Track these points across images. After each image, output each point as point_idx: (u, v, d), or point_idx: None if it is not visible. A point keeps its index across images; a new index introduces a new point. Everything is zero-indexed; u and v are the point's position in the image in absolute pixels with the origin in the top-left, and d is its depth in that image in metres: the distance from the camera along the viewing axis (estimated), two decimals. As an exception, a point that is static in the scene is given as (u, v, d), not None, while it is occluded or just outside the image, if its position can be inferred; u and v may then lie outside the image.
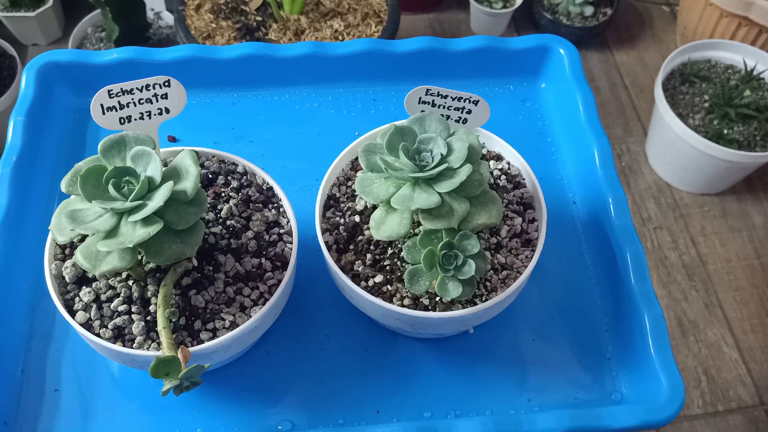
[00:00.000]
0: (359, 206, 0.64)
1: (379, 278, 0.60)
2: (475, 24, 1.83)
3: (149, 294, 0.57)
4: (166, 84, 0.58)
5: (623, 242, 0.68)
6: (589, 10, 1.76)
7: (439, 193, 0.53)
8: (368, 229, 0.62)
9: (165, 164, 0.60)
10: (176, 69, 0.79)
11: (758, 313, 1.43)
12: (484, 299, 0.58)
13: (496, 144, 0.68)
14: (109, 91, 0.57)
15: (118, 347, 0.54)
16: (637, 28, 1.89)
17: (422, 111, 0.60)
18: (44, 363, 0.65)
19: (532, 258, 0.60)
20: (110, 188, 0.51)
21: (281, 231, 0.62)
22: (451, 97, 0.60)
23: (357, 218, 0.63)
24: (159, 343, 0.55)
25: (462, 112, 0.61)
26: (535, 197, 0.65)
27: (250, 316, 0.57)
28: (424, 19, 1.87)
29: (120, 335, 0.56)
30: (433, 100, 0.60)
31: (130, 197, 0.50)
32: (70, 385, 0.64)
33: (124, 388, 0.64)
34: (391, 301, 0.58)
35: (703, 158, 1.45)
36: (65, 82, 0.81)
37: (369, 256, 0.61)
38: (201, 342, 0.56)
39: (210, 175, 0.65)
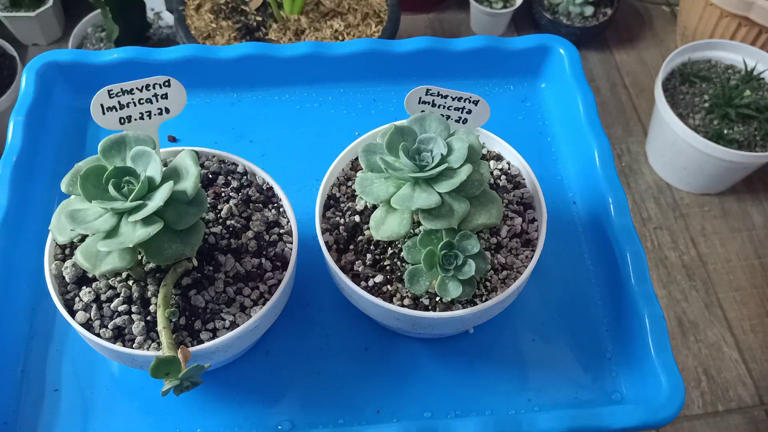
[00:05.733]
0: (359, 206, 0.64)
1: (379, 278, 0.60)
2: (475, 24, 1.83)
3: (149, 294, 0.57)
4: (166, 84, 0.58)
5: (623, 242, 0.68)
6: (589, 10, 1.75)
7: (439, 193, 0.53)
8: (368, 229, 0.62)
9: (165, 164, 0.60)
10: (176, 69, 0.79)
11: (758, 313, 1.43)
12: (484, 299, 0.58)
13: (496, 144, 0.68)
14: (109, 91, 0.57)
15: (118, 347, 0.55)
16: (637, 28, 1.89)
17: (422, 111, 0.60)
18: (44, 363, 0.65)
19: (532, 258, 0.60)
20: (110, 188, 0.51)
21: (281, 231, 0.63)
22: (451, 97, 0.60)
23: (357, 218, 0.63)
24: (159, 343, 0.55)
25: (462, 112, 0.61)
26: (535, 197, 0.65)
27: (250, 316, 0.57)
28: (424, 19, 1.86)
29: (120, 335, 0.56)
30: (433, 100, 0.60)
31: (130, 197, 0.50)
32: (70, 385, 0.64)
33: (124, 388, 0.64)
34: (391, 301, 0.58)
35: (703, 158, 1.45)
36: (65, 82, 0.81)
37: (369, 256, 0.61)
38: (201, 342, 0.56)
39: (210, 175, 0.65)
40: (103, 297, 0.57)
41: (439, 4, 1.89)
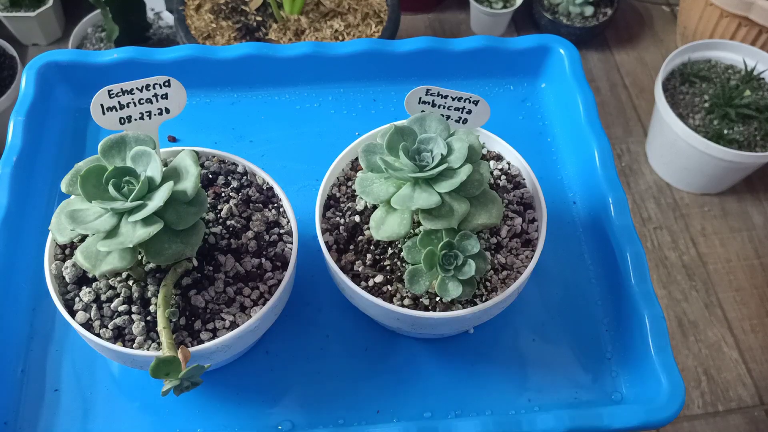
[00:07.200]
0: (359, 206, 0.64)
1: (379, 278, 0.60)
2: (475, 24, 1.83)
3: (149, 294, 0.57)
4: (166, 84, 0.58)
5: (623, 242, 0.68)
6: (589, 10, 1.75)
7: (439, 193, 0.53)
8: (368, 229, 0.62)
9: (165, 164, 0.60)
10: (176, 69, 0.79)
11: (758, 313, 1.43)
12: (484, 299, 0.59)
13: (496, 144, 0.68)
14: (109, 91, 0.57)
15: (118, 347, 0.55)
16: (637, 28, 1.89)
17: (422, 111, 0.60)
18: (44, 363, 0.65)
19: (532, 258, 0.60)
20: (110, 188, 0.51)
21: (281, 231, 0.63)
22: (451, 97, 0.60)
23: (357, 218, 0.63)
24: (159, 343, 0.55)
25: (462, 112, 0.61)
26: (535, 197, 0.65)
27: (250, 316, 0.57)
28: (424, 19, 1.87)
29: (120, 335, 0.56)
30: (433, 100, 0.60)
31: (131, 197, 0.50)
32: (70, 385, 0.64)
33: (124, 388, 0.64)
34: (391, 301, 0.58)
35: (703, 158, 1.45)
36: (65, 82, 0.81)
37: (369, 256, 0.61)
38: (201, 342, 0.56)
39: (210, 175, 0.65)
40: (103, 297, 0.57)
41: (439, 4, 1.89)
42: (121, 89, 0.57)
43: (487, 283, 0.59)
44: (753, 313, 1.43)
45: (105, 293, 0.57)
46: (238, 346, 0.58)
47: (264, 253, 0.61)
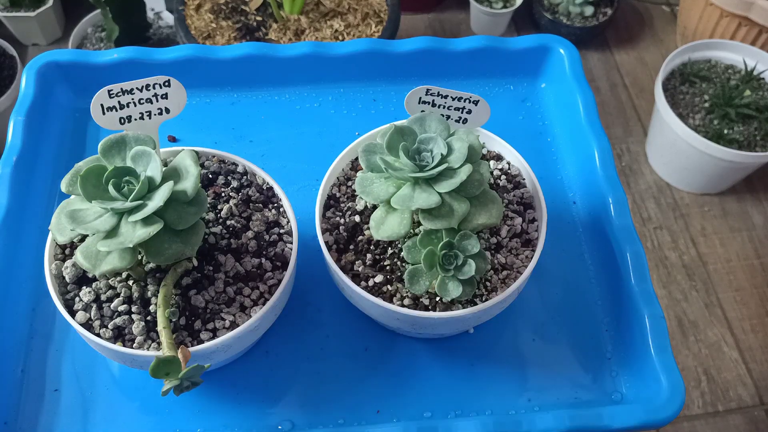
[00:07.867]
0: (359, 206, 0.64)
1: (379, 278, 0.60)
2: (475, 24, 1.83)
3: (149, 294, 0.57)
4: (166, 84, 0.58)
5: (623, 242, 0.68)
6: (589, 10, 1.75)
7: (439, 193, 0.53)
8: (368, 229, 0.62)
9: (165, 164, 0.60)
10: (176, 69, 0.79)
11: (758, 313, 1.43)
12: (484, 299, 0.59)
13: (496, 144, 0.68)
14: (109, 91, 0.57)
15: (118, 347, 0.55)
16: (637, 28, 1.89)
17: (422, 111, 0.60)
18: (44, 363, 0.65)
19: (532, 258, 0.60)
20: (110, 188, 0.51)
21: (281, 231, 0.63)
22: (451, 97, 0.60)
23: (357, 218, 0.63)
24: (159, 343, 0.55)
25: (462, 112, 0.61)
26: (535, 197, 0.65)
27: (250, 316, 0.57)
28: (424, 19, 1.86)
29: (120, 335, 0.56)
30: (433, 100, 0.60)
31: (130, 197, 0.50)
32: (70, 385, 0.64)
33: (124, 388, 0.64)
34: (391, 301, 0.58)
35: (703, 158, 1.45)
36: (65, 82, 0.81)
37: (369, 256, 0.61)
38: (201, 342, 0.56)
39: (210, 175, 0.65)
40: (103, 297, 0.57)
41: (439, 4, 1.89)
42: (121, 89, 0.57)
43: (487, 283, 0.59)
44: (753, 313, 1.43)
45: (105, 293, 0.57)
46: (238, 346, 0.58)
47: (264, 253, 0.61)
